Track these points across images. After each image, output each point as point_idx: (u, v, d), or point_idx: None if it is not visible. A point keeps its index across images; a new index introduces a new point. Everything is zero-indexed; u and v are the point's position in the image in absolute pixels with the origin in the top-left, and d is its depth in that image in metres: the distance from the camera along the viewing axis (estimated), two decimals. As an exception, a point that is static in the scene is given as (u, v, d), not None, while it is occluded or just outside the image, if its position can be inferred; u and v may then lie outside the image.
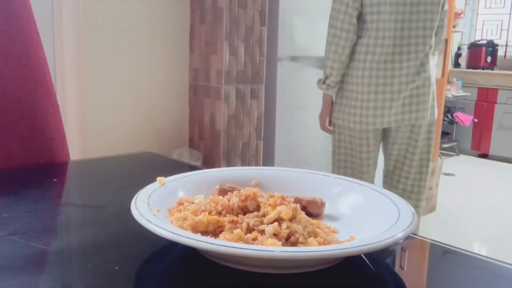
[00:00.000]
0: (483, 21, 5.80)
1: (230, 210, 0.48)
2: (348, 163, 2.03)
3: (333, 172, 2.11)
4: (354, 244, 0.41)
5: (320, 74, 2.09)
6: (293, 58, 2.75)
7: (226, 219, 0.47)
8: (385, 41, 1.80)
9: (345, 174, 2.05)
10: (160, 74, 2.61)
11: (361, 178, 2.00)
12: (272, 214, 0.45)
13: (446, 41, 3.12)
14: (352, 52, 1.88)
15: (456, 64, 5.73)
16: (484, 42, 5.49)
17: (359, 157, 1.99)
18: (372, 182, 2.06)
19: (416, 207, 2.07)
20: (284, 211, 0.45)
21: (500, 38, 5.54)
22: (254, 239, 0.44)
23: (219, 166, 2.53)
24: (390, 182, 2.07)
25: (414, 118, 1.90)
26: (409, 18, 1.80)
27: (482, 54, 5.39)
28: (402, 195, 2.04)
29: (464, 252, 0.50)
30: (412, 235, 0.52)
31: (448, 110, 5.15)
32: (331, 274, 0.43)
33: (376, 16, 1.79)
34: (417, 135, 1.95)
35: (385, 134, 2.00)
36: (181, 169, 0.76)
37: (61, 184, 0.76)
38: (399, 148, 1.99)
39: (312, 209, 0.54)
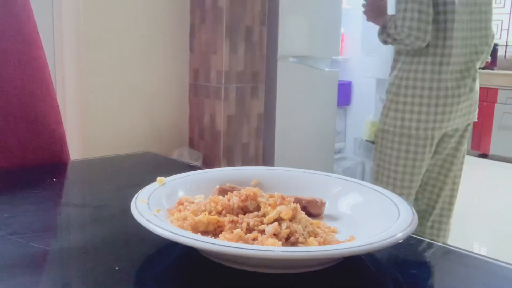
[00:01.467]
0: (483, 21, 5.80)
1: (230, 210, 0.48)
2: (399, 174, 1.90)
3: (377, 183, 1.92)
4: (354, 244, 0.41)
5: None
6: (293, 58, 2.75)
7: (226, 219, 0.47)
8: (459, 51, 1.80)
9: (394, 185, 1.91)
10: (160, 74, 2.61)
11: (410, 187, 1.91)
12: (272, 214, 0.45)
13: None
14: (421, 56, 1.80)
15: (456, 64, 5.72)
16: (484, 42, 5.48)
17: (419, 164, 1.88)
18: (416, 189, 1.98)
19: (452, 204, 2.06)
20: (284, 211, 0.45)
21: (500, 38, 5.54)
22: (254, 239, 0.44)
23: (219, 166, 2.53)
24: (434, 183, 2.03)
25: (471, 118, 1.93)
26: (473, 27, 1.83)
27: (482, 54, 5.38)
28: (446, 195, 2.02)
29: (464, 252, 0.50)
30: (412, 235, 0.52)
31: (448, 110, 5.14)
32: (331, 274, 0.43)
33: (451, 24, 1.77)
34: (466, 132, 1.97)
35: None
36: (181, 169, 0.76)
37: (61, 184, 0.76)
38: (451, 147, 1.97)
39: (312, 209, 0.54)
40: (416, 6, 1.69)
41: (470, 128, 1.99)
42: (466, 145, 2.01)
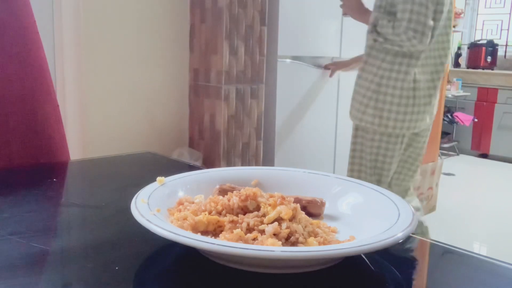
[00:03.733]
0: (483, 21, 5.80)
1: (230, 210, 0.48)
2: (372, 169, 1.96)
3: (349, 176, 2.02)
4: (354, 244, 0.41)
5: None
6: (293, 58, 2.75)
7: (226, 219, 0.47)
8: (437, 53, 1.87)
9: (364, 178, 1.97)
10: (160, 74, 2.61)
11: (379, 181, 1.98)
12: (272, 214, 0.45)
13: (446, 41, 3.12)
14: (404, 57, 1.83)
15: (456, 64, 5.73)
16: (484, 42, 5.49)
17: (388, 162, 1.94)
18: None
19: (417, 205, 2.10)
20: (284, 211, 0.45)
21: (500, 38, 5.54)
22: (254, 239, 0.44)
23: (219, 166, 2.53)
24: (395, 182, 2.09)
25: (433, 117, 1.99)
26: (443, 32, 1.89)
27: (482, 54, 5.39)
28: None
29: (464, 252, 0.50)
30: (412, 235, 0.52)
31: (448, 110, 5.15)
32: (331, 274, 0.43)
33: (434, 31, 1.81)
34: (429, 132, 2.02)
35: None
36: (181, 169, 0.76)
37: (61, 184, 0.76)
38: (417, 146, 2.02)
39: (312, 209, 0.54)
40: (423, 10, 1.72)
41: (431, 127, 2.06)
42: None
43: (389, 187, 2.04)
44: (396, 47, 1.81)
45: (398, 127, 1.87)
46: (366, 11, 1.92)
